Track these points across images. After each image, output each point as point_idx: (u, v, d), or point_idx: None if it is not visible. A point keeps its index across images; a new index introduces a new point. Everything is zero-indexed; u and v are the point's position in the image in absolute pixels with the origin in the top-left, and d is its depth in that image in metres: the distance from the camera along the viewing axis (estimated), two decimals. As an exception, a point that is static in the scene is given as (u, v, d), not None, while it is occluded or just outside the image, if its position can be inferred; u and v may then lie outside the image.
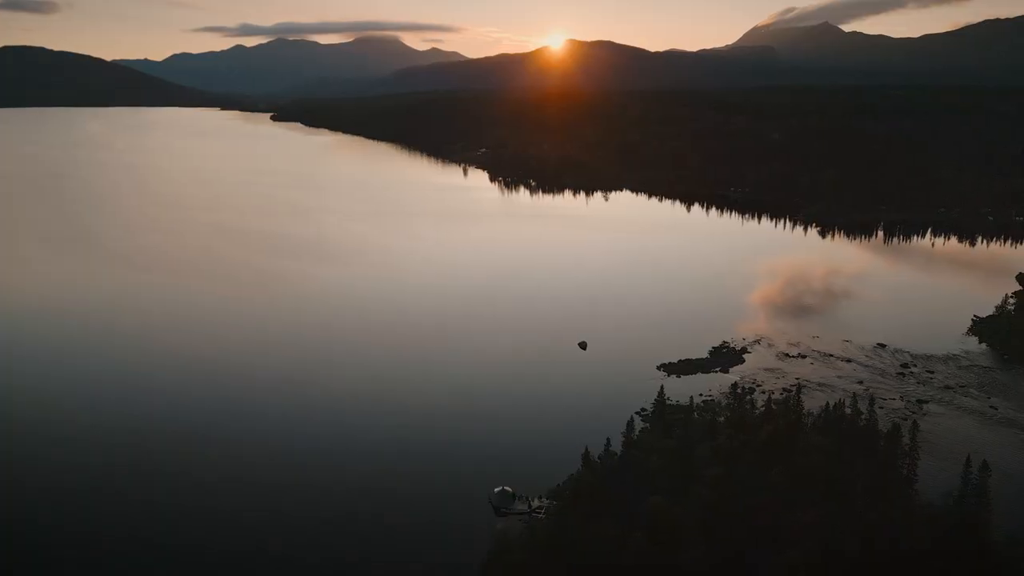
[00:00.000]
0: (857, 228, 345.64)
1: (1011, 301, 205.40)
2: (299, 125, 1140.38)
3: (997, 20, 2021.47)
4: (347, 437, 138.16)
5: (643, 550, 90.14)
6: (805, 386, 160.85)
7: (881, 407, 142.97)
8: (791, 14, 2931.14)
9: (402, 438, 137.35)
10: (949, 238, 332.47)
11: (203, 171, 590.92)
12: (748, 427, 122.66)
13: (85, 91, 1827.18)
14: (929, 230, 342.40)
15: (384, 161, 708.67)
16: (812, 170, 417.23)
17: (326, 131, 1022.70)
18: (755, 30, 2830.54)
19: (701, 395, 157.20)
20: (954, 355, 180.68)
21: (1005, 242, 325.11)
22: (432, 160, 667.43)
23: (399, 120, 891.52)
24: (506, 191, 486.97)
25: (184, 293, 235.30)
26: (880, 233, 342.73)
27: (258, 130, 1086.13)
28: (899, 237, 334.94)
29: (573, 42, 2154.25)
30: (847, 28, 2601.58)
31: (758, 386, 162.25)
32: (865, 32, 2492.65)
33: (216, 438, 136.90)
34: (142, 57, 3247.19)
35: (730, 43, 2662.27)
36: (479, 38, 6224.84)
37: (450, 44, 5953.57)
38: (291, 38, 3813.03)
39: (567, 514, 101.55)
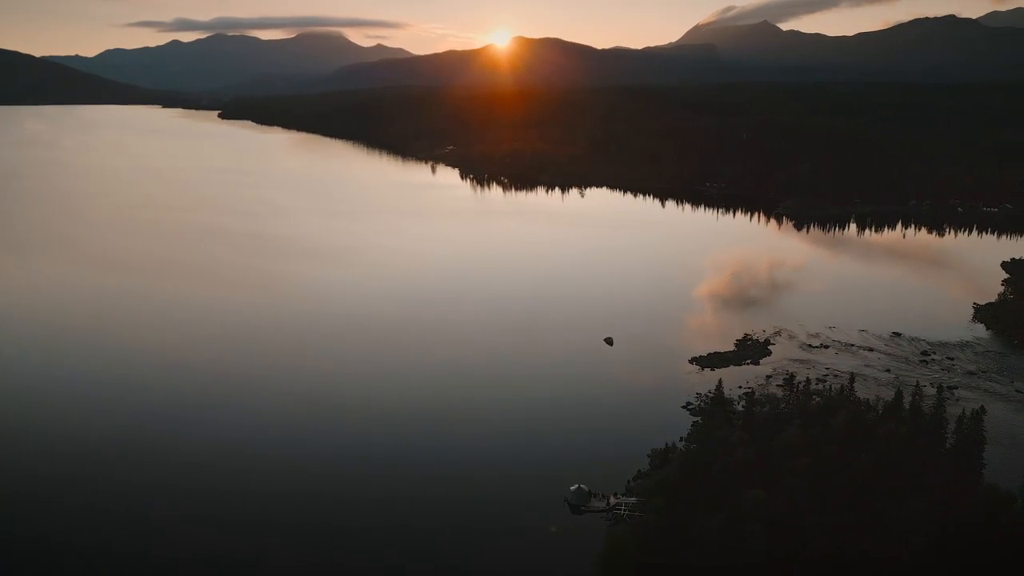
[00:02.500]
0: (835, 221, 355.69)
1: (1010, 289, 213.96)
2: (250, 123, 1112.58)
3: (927, 19, 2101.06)
4: (393, 443, 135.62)
5: (762, 543, 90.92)
6: (839, 375, 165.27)
7: (916, 394, 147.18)
8: (730, 13, 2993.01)
9: (453, 442, 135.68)
10: (922, 229, 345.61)
11: (166, 171, 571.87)
12: (814, 417, 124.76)
13: (14, 88, 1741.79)
14: (908, 221, 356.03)
15: (350, 160, 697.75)
16: (784, 165, 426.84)
17: (279, 129, 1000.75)
18: (697, 28, 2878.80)
19: (740, 387, 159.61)
20: (968, 342, 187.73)
21: (974, 231, 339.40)
22: (398, 158, 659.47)
23: (355, 118, 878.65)
24: (483, 189, 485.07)
25: (168, 295, 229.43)
26: (859, 225, 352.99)
27: (209, 128, 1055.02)
28: (878, 229, 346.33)
29: (521, 39, 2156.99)
30: (784, 27, 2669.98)
31: (793, 376, 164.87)
32: (802, 31, 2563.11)
33: (255, 448, 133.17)
34: (73, 53, 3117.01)
35: (673, 41, 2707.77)
36: (423, 35, 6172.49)
37: (395, 40, 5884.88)
38: (230, 33, 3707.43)
39: (668, 511, 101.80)
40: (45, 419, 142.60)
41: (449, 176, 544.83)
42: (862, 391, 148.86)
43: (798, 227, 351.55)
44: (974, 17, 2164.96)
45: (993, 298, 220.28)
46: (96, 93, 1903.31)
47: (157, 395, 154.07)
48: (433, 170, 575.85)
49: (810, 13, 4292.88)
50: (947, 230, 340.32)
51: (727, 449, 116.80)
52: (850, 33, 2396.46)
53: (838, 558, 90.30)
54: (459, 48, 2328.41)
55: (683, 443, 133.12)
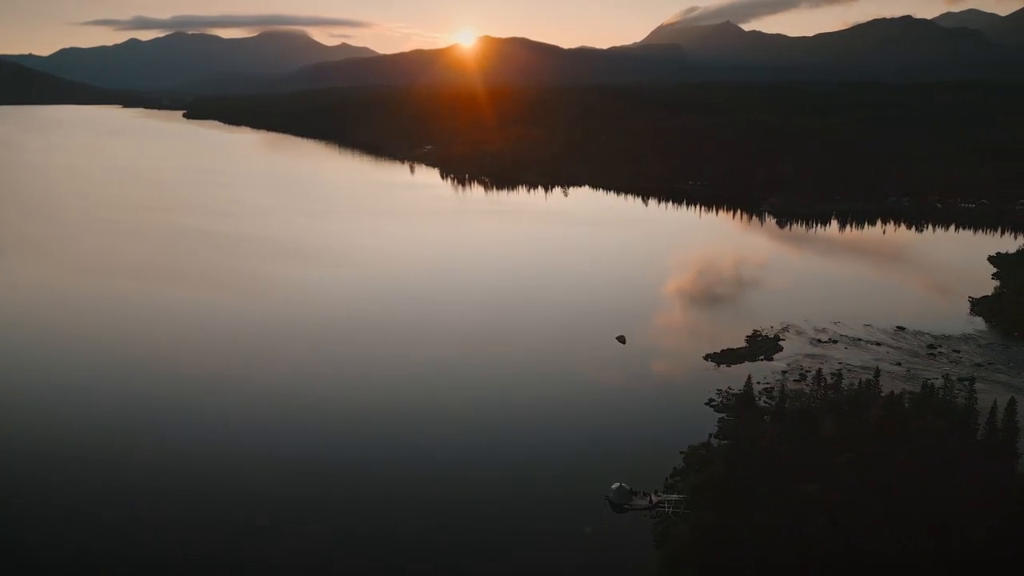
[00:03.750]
0: (819, 218, 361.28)
1: (1003, 283, 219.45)
2: (217, 123, 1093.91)
3: (884, 20, 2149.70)
4: (414, 444, 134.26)
5: (825, 538, 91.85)
6: (852, 369, 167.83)
7: (944, 387, 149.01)
8: (694, 13, 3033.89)
9: (469, 444, 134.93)
10: (903, 225, 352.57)
11: (143, 171, 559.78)
12: (846, 412, 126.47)
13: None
14: (889, 218, 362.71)
15: (326, 159, 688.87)
16: (765, 165, 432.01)
17: (248, 129, 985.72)
18: (661, 28, 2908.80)
19: (758, 383, 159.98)
20: (970, 335, 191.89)
21: (955, 227, 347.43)
22: (376, 158, 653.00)
23: (327, 117, 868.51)
24: (468, 188, 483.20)
25: (148, 297, 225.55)
26: (843, 222, 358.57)
27: (176, 128, 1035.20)
28: (862, 225, 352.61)
29: (487, 38, 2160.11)
30: (747, 27, 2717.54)
31: (808, 372, 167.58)
32: (764, 31, 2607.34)
33: (247, 449, 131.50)
34: (27, 52, 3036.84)
35: (638, 40, 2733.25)
36: (388, 34, 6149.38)
37: (359, 40, 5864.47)
38: (190, 32, 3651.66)
39: (721, 508, 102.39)
40: (26, 421, 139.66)
41: (430, 176, 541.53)
42: (882, 385, 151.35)
43: (785, 224, 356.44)
44: (929, 17, 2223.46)
45: (987, 291, 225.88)
46: (52, 93, 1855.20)
47: (144, 398, 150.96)
48: (412, 170, 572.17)
49: (771, 14, 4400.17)
50: (929, 226, 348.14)
51: (767, 444, 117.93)
52: (810, 34, 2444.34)
53: (881, 554, 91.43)
54: (425, 47, 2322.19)
55: (716, 439, 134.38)
